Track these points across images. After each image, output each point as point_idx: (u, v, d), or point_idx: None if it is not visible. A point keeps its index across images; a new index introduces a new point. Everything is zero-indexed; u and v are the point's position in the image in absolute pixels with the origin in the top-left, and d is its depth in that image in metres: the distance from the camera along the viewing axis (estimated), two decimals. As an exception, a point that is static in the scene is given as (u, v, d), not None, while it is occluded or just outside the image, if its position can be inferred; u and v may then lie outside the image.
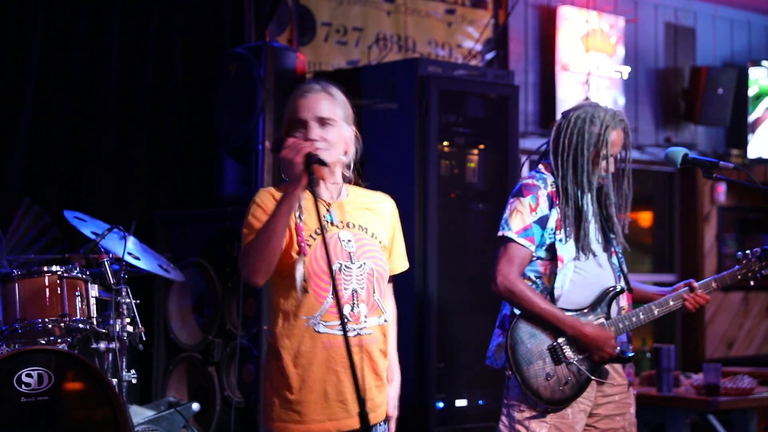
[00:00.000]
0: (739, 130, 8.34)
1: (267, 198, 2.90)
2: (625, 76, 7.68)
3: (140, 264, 4.45)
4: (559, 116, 3.86)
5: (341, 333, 2.81)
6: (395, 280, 3.15)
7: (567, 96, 7.32)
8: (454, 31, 6.97)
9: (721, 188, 8.33)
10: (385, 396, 3.02)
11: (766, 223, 8.73)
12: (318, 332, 2.85)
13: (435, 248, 5.27)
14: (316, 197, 2.82)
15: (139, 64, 5.70)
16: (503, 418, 3.75)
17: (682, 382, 5.51)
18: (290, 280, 2.84)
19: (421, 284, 5.26)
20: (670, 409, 5.35)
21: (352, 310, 2.88)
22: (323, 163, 2.83)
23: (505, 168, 5.59)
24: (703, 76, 8.02)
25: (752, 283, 3.87)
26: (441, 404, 5.26)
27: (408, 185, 5.29)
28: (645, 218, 8.60)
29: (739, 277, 3.87)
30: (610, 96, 7.59)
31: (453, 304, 5.32)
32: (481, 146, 5.58)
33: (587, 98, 7.16)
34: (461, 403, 5.33)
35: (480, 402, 5.36)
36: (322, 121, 2.93)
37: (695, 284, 3.82)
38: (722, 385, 5.25)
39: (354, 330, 2.87)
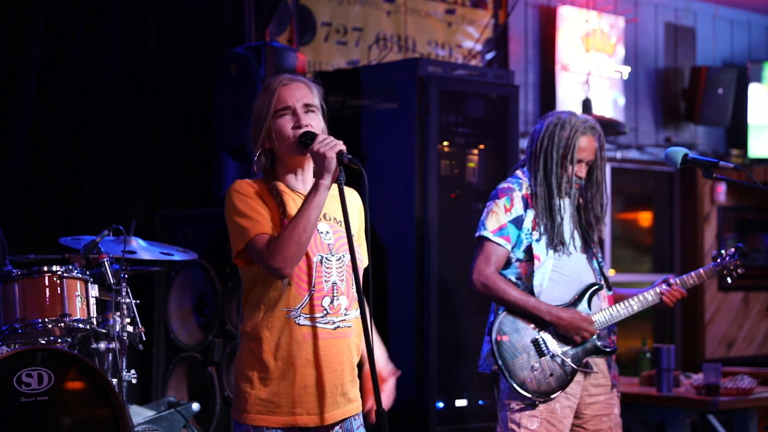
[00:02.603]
0: (739, 130, 8.34)
1: (247, 188, 2.97)
2: (625, 76, 7.68)
3: (140, 255, 4.45)
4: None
5: (321, 326, 2.86)
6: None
7: (567, 96, 7.32)
8: (454, 31, 6.97)
9: (721, 188, 8.33)
10: (357, 391, 3.01)
11: (766, 223, 8.73)
12: (298, 324, 2.86)
13: (435, 248, 5.27)
14: (342, 190, 2.87)
15: (139, 64, 5.70)
16: (499, 419, 3.87)
17: (682, 382, 5.51)
18: None
19: (421, 284, 5.26)
20: (670, 409, 5.35)
21: (332, 302, 2.89)
22: (355, 164, 2.85)
23: (505, 168, 5.58)
24: (703, 76, 8.02)
25: (729, 280, 4.01)
26: (441, 404, 5.26)
27: (408, 185, 5.30)
28: (645, 218, 8.60)
29: (715, 274, 4.00)
30: (610, 96, 7.59)
31: (453, 304, 5.32)
32: (481, 146, 5.58)
33: (587, 98, 7.17)
34: (461, 403, 5.33)
35: (480, 402, 5.36)
36: (307, 108, 2.97)
37: (672, 279, 3.94)
38: (722, 385, 5.25)
39: (334, 323, 2.89)
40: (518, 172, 3.95)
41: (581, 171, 3.86)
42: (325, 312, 2.88)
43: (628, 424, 5.61)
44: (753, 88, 8.27)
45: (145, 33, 5.71)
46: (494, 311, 3.88)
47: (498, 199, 3.87)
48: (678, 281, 3.93)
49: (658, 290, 3.92)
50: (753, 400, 5.35)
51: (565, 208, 3.88)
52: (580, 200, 3.92)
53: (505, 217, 3.84)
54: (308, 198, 2.82)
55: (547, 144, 3.84)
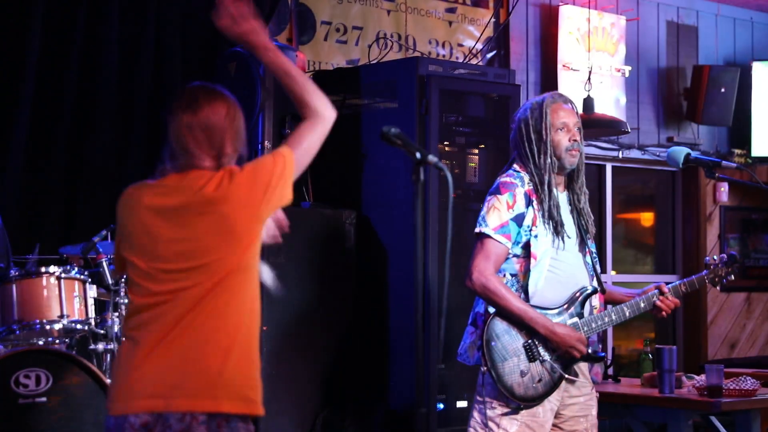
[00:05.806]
0: (741, 130, 8.31)
1: None
2: (627, 75, 7.66)
3: None
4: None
5: None
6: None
7: (568, 95, 7.27)
8: (454, 29, 6.95)
9: (724, 188, 8.30)
10: None
11: (768, 222, 8.71)
12: None
13: (435, 248, 5.25)
14: None
15: (139, 63, 5.68)
16: (475, 414, 3.78)
17: (684, 384, 5.48)
18: None
19: (421, 284, 5.23)
20: (671, 410, 5.32)
21: None
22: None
23: (506, 168, 5.57)
24: (705, 75, 7.98)
25: (718, 288, 4.08)
26: (441, 405, 5.23)
27: (408, 185, 5.26)
28: (647, 218, 8.57)
29: (706, 281, 4.02)
30: (611, 95, 7.56)
31: (453, 304, 5.28)
32: (482, 146, 5.56)
33: (588, 97, 7.14)
34: (462, 404, 5.31)
35: (481, 403, 5.34)
36: None
37: (665, 288, 3.90)
38: (725, 387, 5.22)
39: None
40: (516, 166, 3.86)
41: (574, 135, 3.80)
42: None
43: (629, 426, 5.59)
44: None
45: (144, 32, 5.69)
46: (485, 304, 3.80)
47: (500, 194, 3.78)
48: (670, 289, 3.92)
49: (651, 297, 3.90)
50: (756, 401, 5.32)
51: (563, 199, 3.82)
52: (573, 186, 3.85)
53: (507, 214, 3.75)
54: None
55: (524, 128, 3.80)
